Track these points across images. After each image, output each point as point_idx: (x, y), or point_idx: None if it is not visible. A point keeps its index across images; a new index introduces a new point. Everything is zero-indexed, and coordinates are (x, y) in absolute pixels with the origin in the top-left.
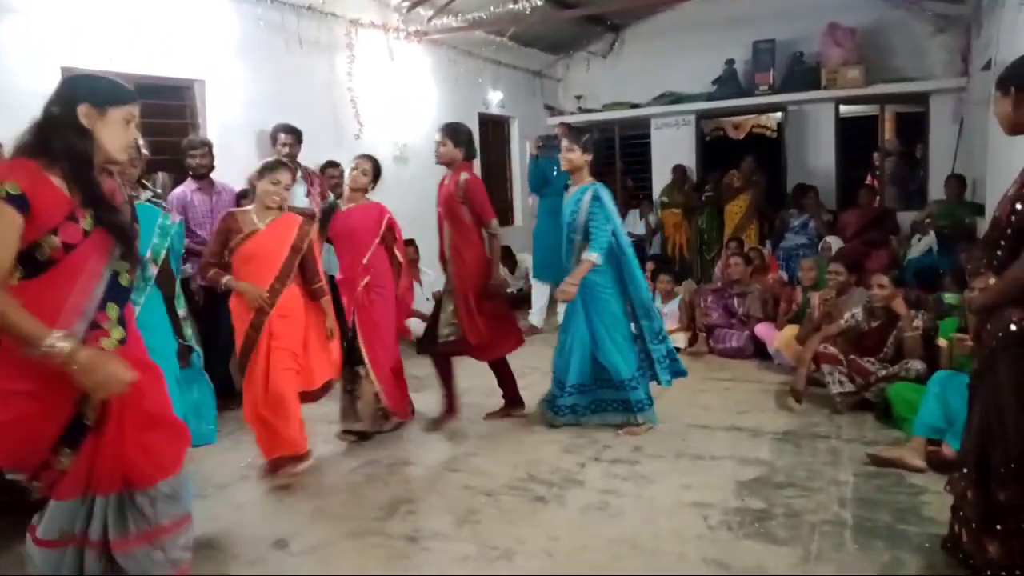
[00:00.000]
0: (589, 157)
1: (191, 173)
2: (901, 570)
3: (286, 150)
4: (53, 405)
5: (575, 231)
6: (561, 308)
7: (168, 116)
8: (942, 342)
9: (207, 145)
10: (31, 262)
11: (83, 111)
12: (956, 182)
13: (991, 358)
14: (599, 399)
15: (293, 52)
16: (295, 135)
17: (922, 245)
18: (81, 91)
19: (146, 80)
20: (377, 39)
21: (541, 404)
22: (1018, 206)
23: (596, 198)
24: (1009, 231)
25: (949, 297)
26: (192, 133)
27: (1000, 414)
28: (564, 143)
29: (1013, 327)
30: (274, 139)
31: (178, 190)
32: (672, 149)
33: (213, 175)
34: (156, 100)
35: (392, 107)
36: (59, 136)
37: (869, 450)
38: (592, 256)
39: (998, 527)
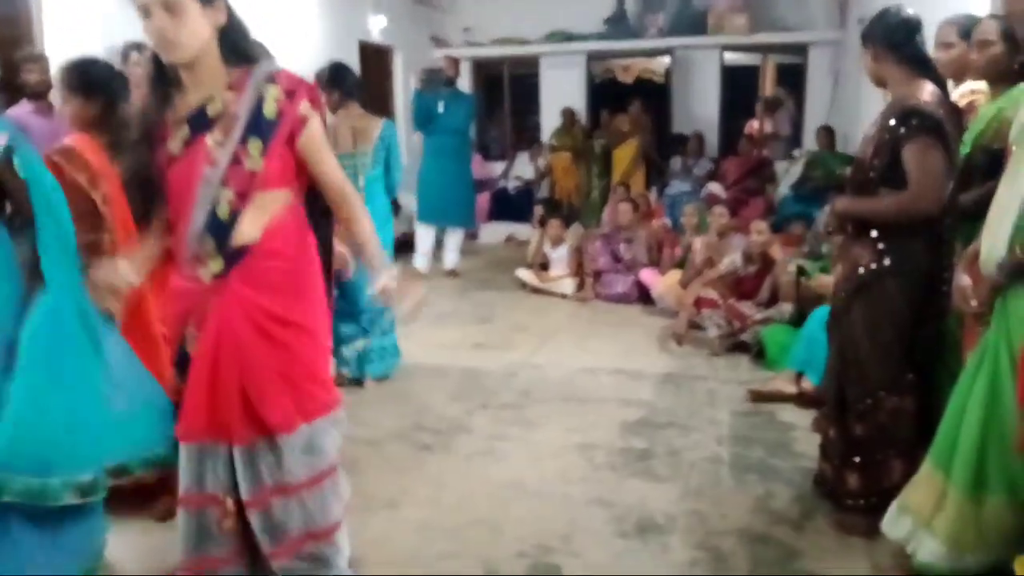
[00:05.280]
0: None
1: (27, 93)
2: (773, 502)
3: (139, 70)
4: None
5: None
6: (452, 255)
7: None
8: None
9: (44, 59)
10: None
11: None
12: (825, 133)
13: (845, 300)
14: None
15: None
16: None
17: (792, 173)
18: None
19: None
20: None
21: None
22: (876, 160)
23: None
24: (871, 173)
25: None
26: (26, 46)
27: (856, 352)
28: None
29: (861, 270)
30: (125, 57)
31: (12, 112)
32: (562, 90)
33: (52, 96)
34: None
35: (262, 28)
36: None
37: (750, 387)
38: None
39: (856, 460)
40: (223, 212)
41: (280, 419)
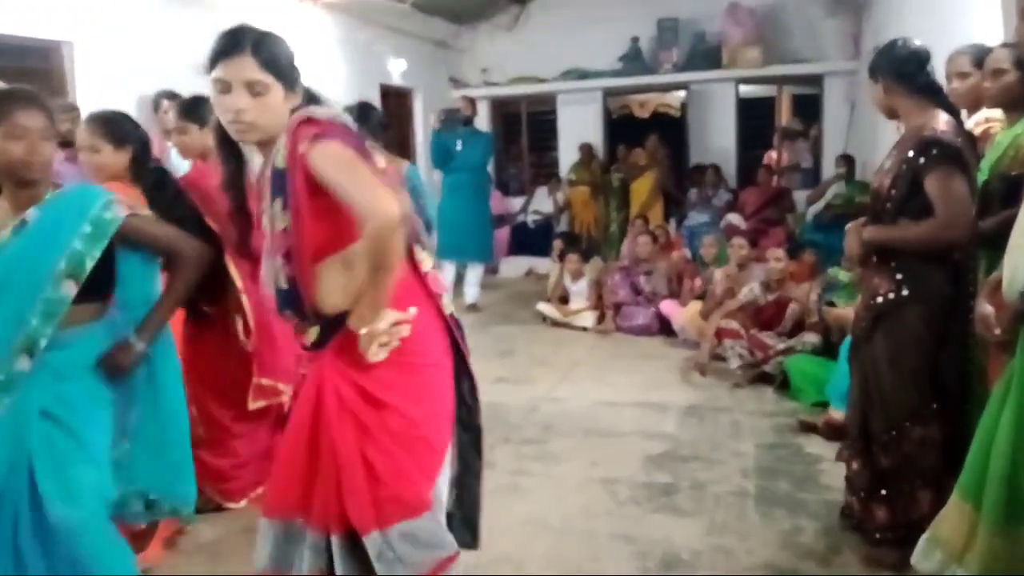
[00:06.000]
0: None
1: (59, 141)
2: (800, 536)
3: (168, 117)
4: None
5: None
6: (472, 289)
7: (31, 80)
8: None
9: (75, 110)
10: None
11: None
12: (845, 162)
13: (866, 330)
14: None
15: (173, 11)
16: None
17: (832, 191)
18: None
19: (4, 40)
20: (268, 0)
21: None
22: (894, 191)
23: None
24: (888, 204)
25: (841, 273)
26: (59, 98)
27: (878, 383)
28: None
29: (880, 299)
30: (156, 106)
31: None
32: (579, 126)
33: None
34: (16, 63)
35: None
36: None
37: (802, 417)
38: None
39: (883, 492)
40: (280, 280)
41: (356, 516)
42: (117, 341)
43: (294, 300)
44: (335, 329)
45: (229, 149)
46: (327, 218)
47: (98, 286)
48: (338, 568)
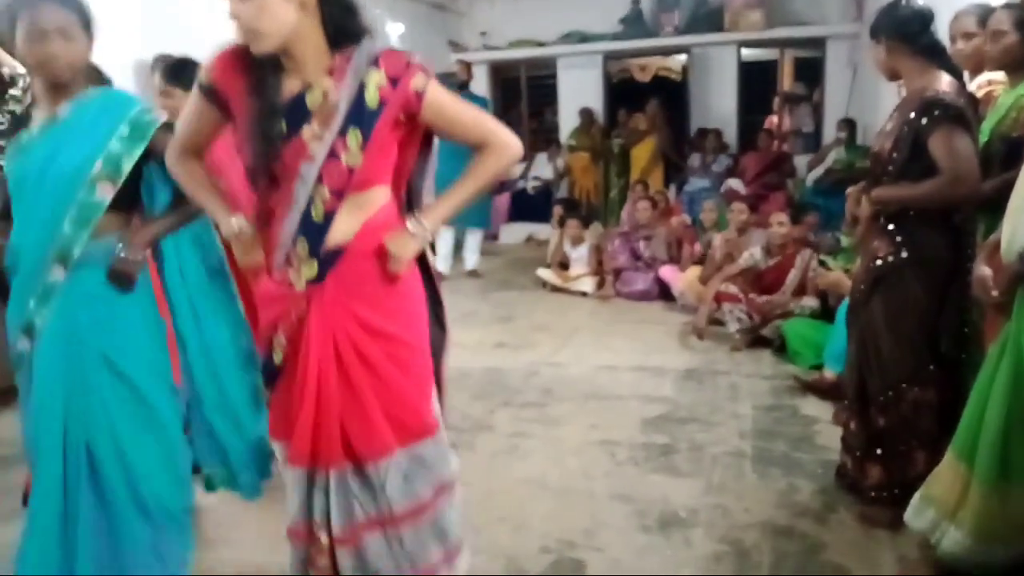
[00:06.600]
0: None
1: None
2: (796, 496)
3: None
4: (261, 327)
5: None
6: (472, 256)
7: None
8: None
9: None
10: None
11: None
12: (847, 126)
13: (865, 292)
14: None
15: None
16: None
17: (832, 156)
18: None
19: None
20: None
21: None
22: (895, 154)
23: None
24: (890, 167)
25: (843, 239)
26: None
27: (876, 345)
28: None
29: (879, 261)
30: (154, 70)
31: None
32: (579, 90)
33: None
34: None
35: None
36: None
37: (795, 373)
38: None
39: (878, 451)
40: (317, 213)
41: (370, 444)
42: (115, 254)
43: (319, 233)
44: (332, 263)
45: (255, 64)
46: (382, 156)
47: (127, 197)
48: (334, 504)
